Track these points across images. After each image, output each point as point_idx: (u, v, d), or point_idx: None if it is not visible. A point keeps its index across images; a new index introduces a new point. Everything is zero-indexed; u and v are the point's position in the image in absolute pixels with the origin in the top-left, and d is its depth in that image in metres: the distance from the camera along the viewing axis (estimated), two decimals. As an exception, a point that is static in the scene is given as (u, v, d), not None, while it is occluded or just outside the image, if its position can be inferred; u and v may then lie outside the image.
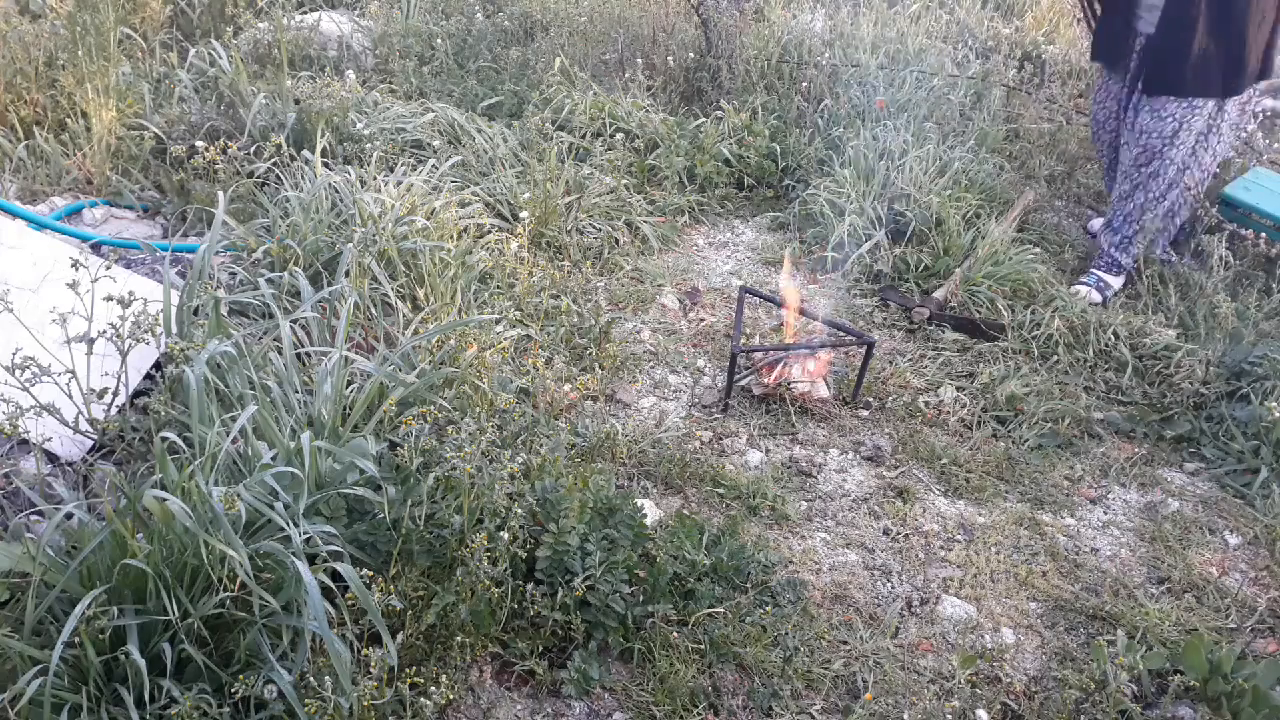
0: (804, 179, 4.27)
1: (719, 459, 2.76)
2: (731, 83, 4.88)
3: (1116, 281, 3.58)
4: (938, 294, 3.44)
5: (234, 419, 1.97)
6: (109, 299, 2.30)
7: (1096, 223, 4.00)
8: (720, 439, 2.85)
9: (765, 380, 3.00)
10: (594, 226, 3.80)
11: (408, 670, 1.89)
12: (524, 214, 3.44)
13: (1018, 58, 5.20)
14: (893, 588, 2.37)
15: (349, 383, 2.40)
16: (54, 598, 1.74)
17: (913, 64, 4.88)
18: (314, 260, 2.98)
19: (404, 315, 2.85)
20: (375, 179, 3.34)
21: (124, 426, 2.33)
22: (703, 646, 2.12)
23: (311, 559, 1.82)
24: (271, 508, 1.79)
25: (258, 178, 3.43)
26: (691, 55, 5.00)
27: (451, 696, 1.85)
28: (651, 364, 3.18)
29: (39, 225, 3.07)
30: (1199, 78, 3.18)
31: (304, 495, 1.87)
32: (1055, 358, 3.18)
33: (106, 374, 2.36)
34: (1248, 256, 3.51)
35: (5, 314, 2.29)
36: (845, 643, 2.20)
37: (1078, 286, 3.55)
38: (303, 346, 2.60)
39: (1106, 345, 3.20)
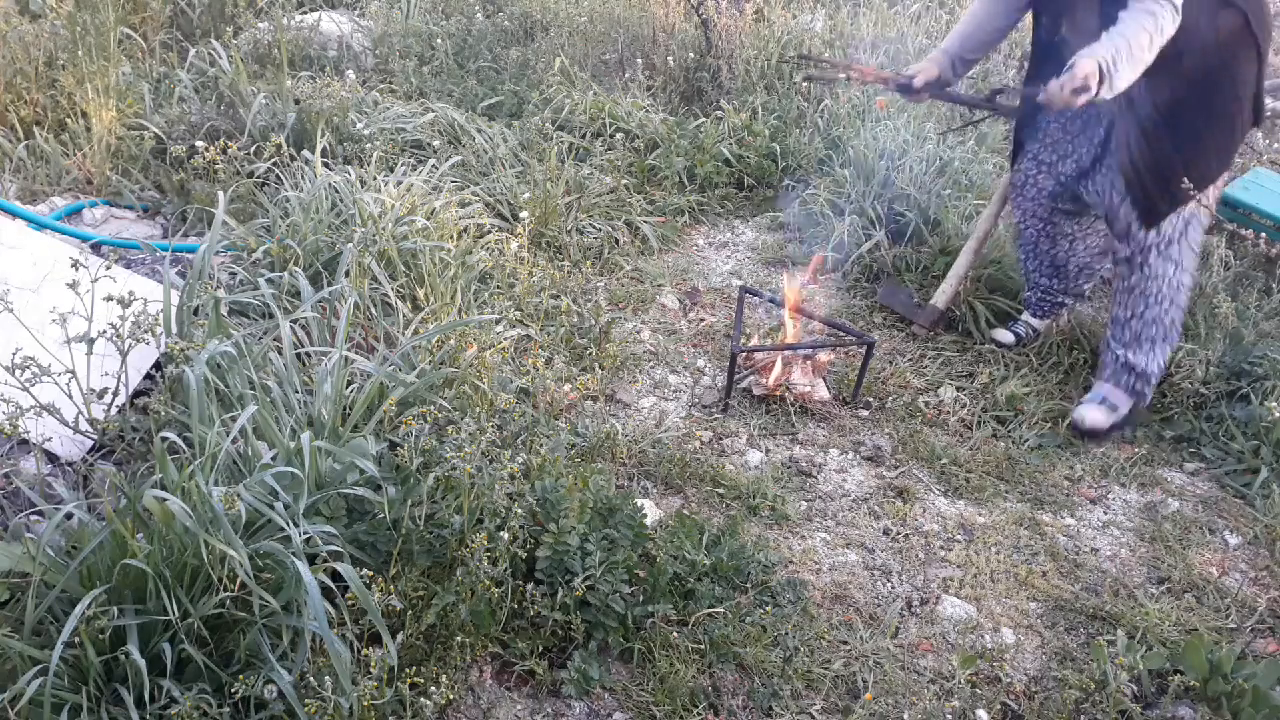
0: (804, 179, 4.27)
1: (719, 459, 2.76)
2: (731, 83, 4.88)
3: (1126, 403, 2.89)
4: (936, 301, 3.37)
5: (234, 419, 1.97)
6: (109, 299, 2.30)
7: (1003, 334, 3.29)
8: (720, 439, 2.85)
9: (765, 381, 3.00)
10: (594, 226, 3.80)
11: (408, 670, 1.89)
12: (524, 214, 3.44)
13: (1018, 57, 5.20)
14: (893, 588, 2.37)
15: (349, 383, 2.40)
16: (54, 598, 1.74)
17: (913, 64, 4.87)
18: (314, 260, 2.98)
19: (404, 315, 2.85)
20: (375, 179, 3.34)
21: (124, 426, 2.33)
22: (703, 646, 2.12)
23: (311, 559, 1.82)
24: (271, 508, 1.78)
25: (258, 178, 3.43)
26: (691, 55, 5.00)
27: (451, 696, 1.85)
28: (651, 364, 3.18)
29: (39, 225, 3.07)
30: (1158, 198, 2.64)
31: (304, 495, 1.87)
32: (1055, 358, 3.18)
33: (106, 374, 2.36)
34: (1248, 256, 3.51)
35: (5, 314, 2.29)
36: (845, 643, 2.20)
37: (1080, 410, 2.92)
38: (303, 346, 2.60)
39: (1106, 345, 3.19)
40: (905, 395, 3.06)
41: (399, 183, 3.34)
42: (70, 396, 2.27)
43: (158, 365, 2.56)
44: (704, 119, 4.59)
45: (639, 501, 2.33)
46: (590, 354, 3.11)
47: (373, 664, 1.74)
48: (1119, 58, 2.31)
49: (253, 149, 3.49)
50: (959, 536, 2.54)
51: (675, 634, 2.13)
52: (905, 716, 2.04)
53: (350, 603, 1.79)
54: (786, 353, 3.01)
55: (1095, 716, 2.02)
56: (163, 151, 3.68)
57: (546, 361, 2.95)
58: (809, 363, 3.01)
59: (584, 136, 4.30)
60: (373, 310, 2.81)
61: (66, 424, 2.27)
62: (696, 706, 2.01)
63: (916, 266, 3.62)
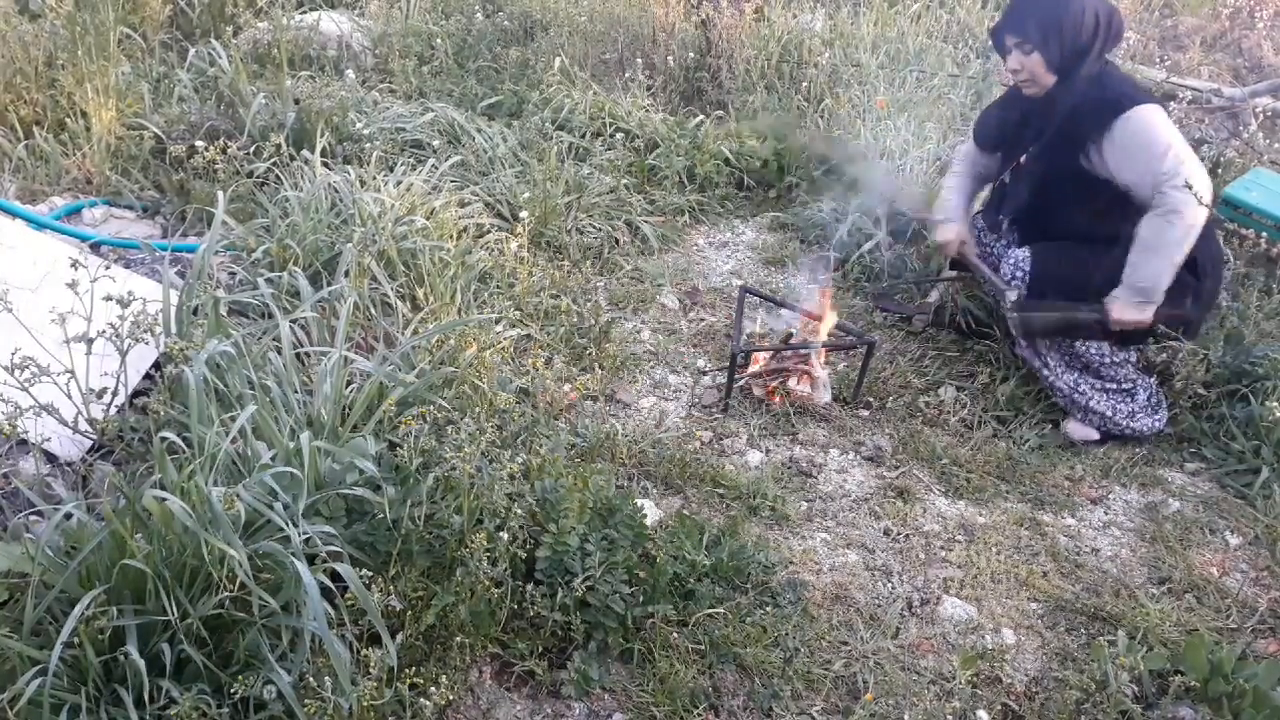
0: (805, 178, 4.27)
1: (719, 459, 2.76)
2: (731, 82, 4.88)
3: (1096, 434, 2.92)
4: (931, 298, 3.39)
5: (234, 419, 1.96)
6: (108, 299, 2.30)
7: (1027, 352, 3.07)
8: (720, 439, 2.85)
9: (764, 377, 3.00)
10: (594, 226, 3.80)
11: (407, 671, 1.88)
12: (524, 214, 3.44)
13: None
14: (893, 588, 2.37)
15: (349, 383, 2.40)
16: (53, 598, 1.74)
17: (913, 64, 4.87)
18: (314, 260, 2.98)
19: (404, 315, 2.85)
20: (375, 179, 3.34)
21: (123, 426, 2.33)
22: (703, 647, 2.12)
23: (311, 559, 1.81)
24: (271, 508, 1.78)
25: (257, 178, 3.43)
26: (691, 55, 5.00)
27: (451, 697, 1.84)
28: (651, 364, 3.18)
29: (39, 225, 3.07)
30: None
31: (303, 495, 1.87)
32: (1055, 358, 3.18)
33: (106, 374, 2.35)
34: (1248, 257, 3.50)
35: (5, 314, 2.29)
36: (845, 643, 2.20)
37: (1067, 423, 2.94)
38: (302, 346, 2.60)
39: (1107, 345, 3.18)
40: (905, 395, 3.06)
41: (399, 182, 3.34)
42: (70, 396, 2.27)
43: (157, 365, 2.56)
44: (704, 119, 4.59)
45: (639, 501, 2.32)
46: (590, 354, 3.11)
47: (372, 664, 1.74)
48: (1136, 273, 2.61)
49: (252, 149, 3.48)
50: (959, 537, 2.54)
51: (675, 634, 2.12)
52: (906, 717, 2.03)
53: (350, 603, 1.79)
54: (786, 365, 3.00)
55: (1096, 717, 2.01)
56: (162, 151, 3.68)
57: (546, 361, 2.94)
58: (807, 375, 3.00)
59: (584, 136, 4.29)
60: (372, 310, 2.81)
61: (66, 424, 2.27)
62: (696, 707, 2.01)
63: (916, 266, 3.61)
